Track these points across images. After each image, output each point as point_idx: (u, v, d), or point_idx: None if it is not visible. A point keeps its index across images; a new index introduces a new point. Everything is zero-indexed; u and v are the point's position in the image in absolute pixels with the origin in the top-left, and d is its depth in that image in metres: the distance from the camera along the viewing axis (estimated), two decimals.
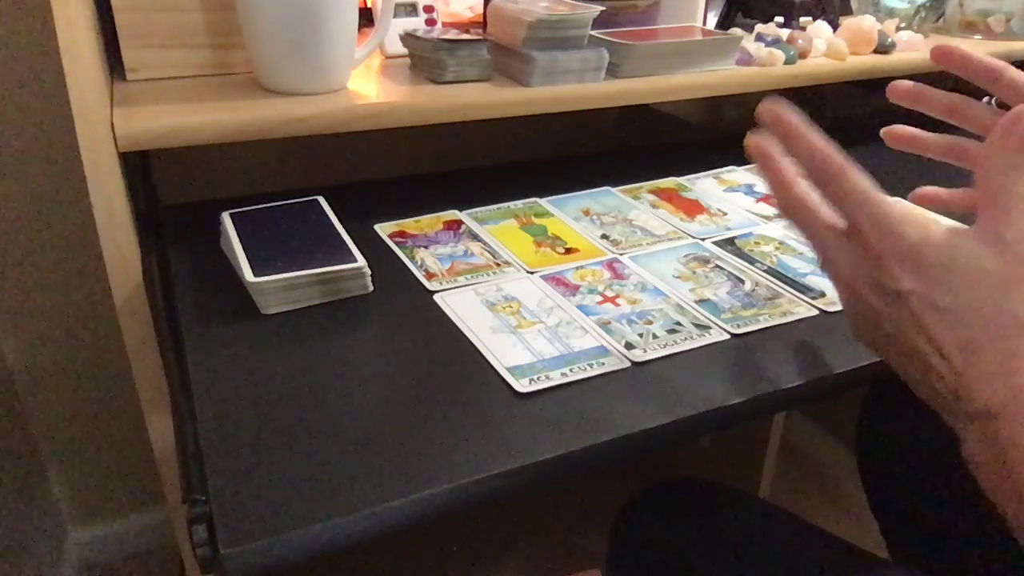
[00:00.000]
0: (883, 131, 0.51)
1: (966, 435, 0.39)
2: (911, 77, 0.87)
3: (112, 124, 0.54)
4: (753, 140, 0.42)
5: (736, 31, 0.85)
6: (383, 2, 0.66)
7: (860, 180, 0.39)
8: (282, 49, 0.61)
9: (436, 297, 0.54)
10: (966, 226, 0.38)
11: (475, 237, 0.63)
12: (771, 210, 0.70)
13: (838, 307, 0.54)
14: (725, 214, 0.69)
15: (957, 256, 0.37)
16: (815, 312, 0.53)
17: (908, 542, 0.67)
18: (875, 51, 0.86)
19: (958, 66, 0.47)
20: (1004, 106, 0.46)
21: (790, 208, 0.42)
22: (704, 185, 0.76)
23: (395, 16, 0.72)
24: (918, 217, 0.38)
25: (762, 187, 0.76)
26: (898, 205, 0.38)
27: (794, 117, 0.40)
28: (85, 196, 0.55)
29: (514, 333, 0.50)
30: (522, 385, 0.44)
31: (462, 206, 0.69)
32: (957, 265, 0.37)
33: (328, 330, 0.50)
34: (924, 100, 0.50)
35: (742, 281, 0.57)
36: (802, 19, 0.90)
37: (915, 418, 0.66)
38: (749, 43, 0.81)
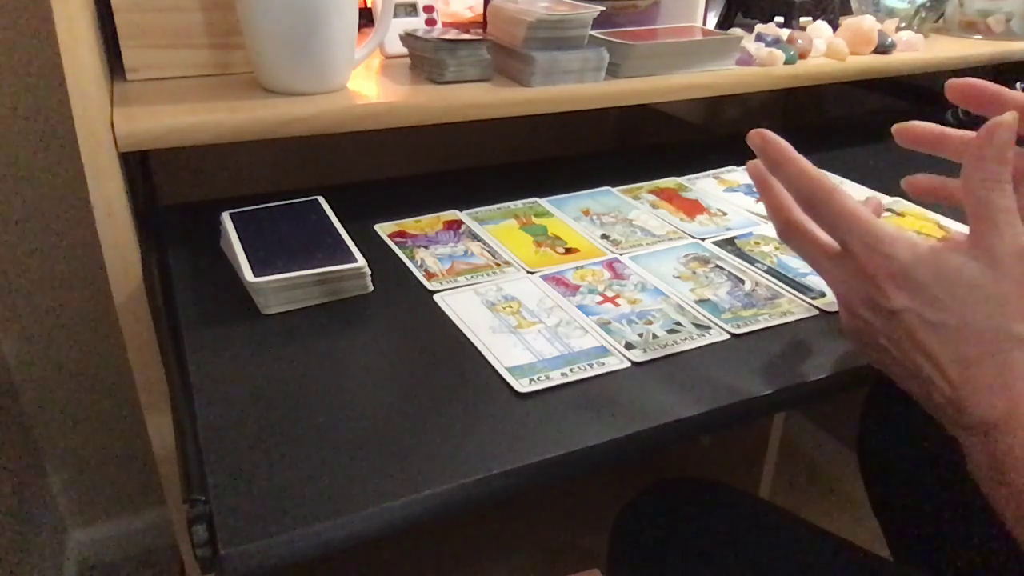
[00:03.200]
0: (895, 128, 0.48)
1: (968, 446, 0.39)
2: (911, 77, 0.88)
3: (112, 124, 0.54)
4: (752, 165, 0.44)
5: (736, 31, 0.85)
6: (383, 2, 0.66)
7: (848, 203, 0.40)
8: (282, 49, 0.61)
9: (436, 297, 0.54)
10: (957, 240, 0.39)
11: (475, 237, 0.63)
12: None
13: (838, 307, 0.54)
14: (725, 214, 0.69)
15: (948, 272, 0.38)
16: (815, 312, 0.53)
17: (908, 541, 0.67)
18: (875, 51, 0.86)
19: (980, 102, 0.45)
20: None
21: (786, 232, 0.44)
22: (704, 185, 0.76)
23: (395, 16, 0.72)
24: (908, 236, 0.39)
25: None
26: (888, 225, 0.39)
27: (781, 144, 0.41)
28: (85, 196, 0.55)
29: (514, 333, 0.50)
30: (522, 385, 0.44)
31: (462, 206, 0.69)
32: (948, 281, 0.37)
33: (328, 330, 0.50)
34: (944, 143, 0.47)
35: (742, 281, 0.57)
36: (802, 19, 0.90)
37: (916, 418, 0.66)
38: (749, 43, 0.81)
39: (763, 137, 0.42)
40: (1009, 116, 0.37)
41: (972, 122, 0.47)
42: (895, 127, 0.47)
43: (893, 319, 0.39)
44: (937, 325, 0.38)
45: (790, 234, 0.44)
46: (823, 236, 0.42)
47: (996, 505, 0.38)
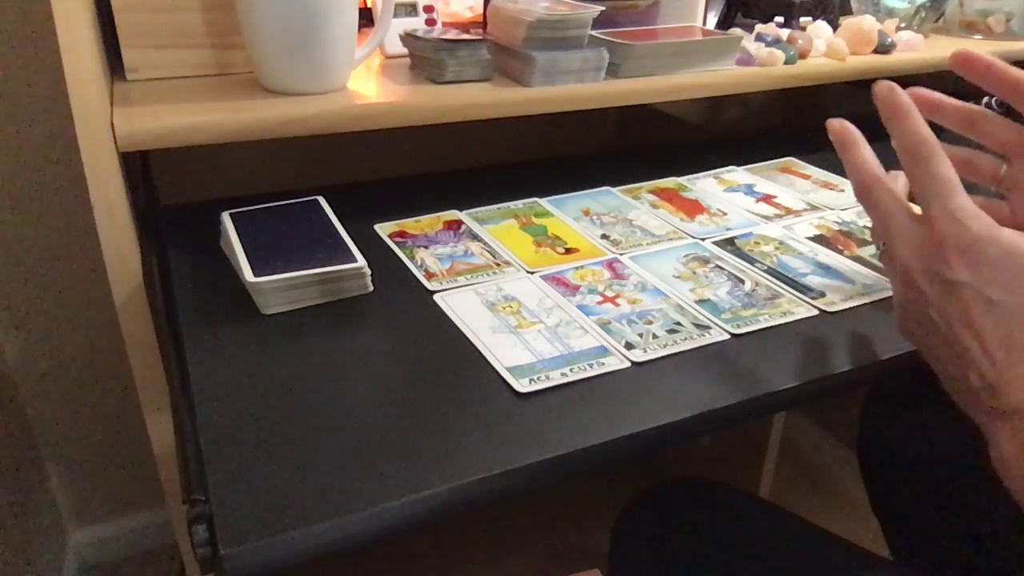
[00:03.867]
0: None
1: (996, 434, 0.39)
2: (911, 77, 0.87)
3: (112, 124, 0.54)
4: (835, 122, 0.45)
5: (736, 31, 0.85)
6: (383, 2, 0.66)
7: (946, 170, 0.40)
8: (282, 49, 0.61)
9: (436, 297, 0.54)
10: None
11: (475, 237, 0.63)
12: (771, 210, 0.70)
13: (838, 307, 0.54)
14: (725, 214, 0.69)
15: (1018, 255, 0.38)
16: (815, 312, 0.53)
17: (909, 541, 0.67)
18: (875, 51, 0.86)
19: (980, 75, 0.46)
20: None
21: (864, 186, 0.44)
22: (704, 185, 0.76)
23: (395, 16, 0.72)
24: (988, 217, 0.39)
25: (762, 187, 0.76)
26: (973, 203, 0.39)
27: (905, 99, 0.42)
28: (85, 196, 0.55)
29: (514, 333, 0.50)
30: (522, 385, 0.44)
31: (462, 206, 0.69)
32: (1015, 264, 0.38)
33: (328, 330, 0.50)
34: (941, 110, 0.48)
35: (742, 281, 0.57)
36: (802, 19, 0.90)
37: (916, 417, 0.66)
38: (749, 43, 0.81)
39: (892, 89, 0.42)
40: None
41: None
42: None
43: (950, 291, 0.39)
44: (993, 304, 0.38)
45: (869, 191, 0.44)
46: (900, 195, 0.43)
47: (1020, 497, 0.38)
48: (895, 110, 0.42)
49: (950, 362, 0.41)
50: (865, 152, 0.44)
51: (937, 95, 0.47)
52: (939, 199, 0.40)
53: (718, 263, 0.60)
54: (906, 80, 0.89)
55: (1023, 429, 0.37)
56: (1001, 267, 0.38)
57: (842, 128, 0.45)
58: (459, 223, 0.66)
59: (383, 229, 0.65)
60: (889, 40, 0.86)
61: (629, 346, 0.49)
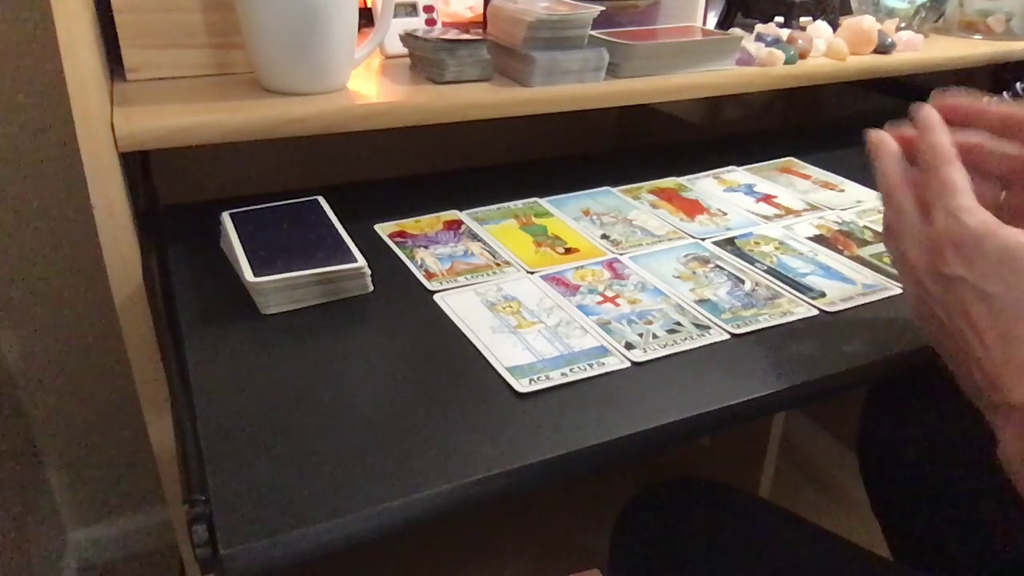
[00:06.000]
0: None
1: (1001, 430, 0.39)
2: (911, 77, 0.88)
3: (112, 124, 0.54)
4: (874, 133, 0.46)
5: (736, 31, 0.85)
6: (383, 2, 0.66)
7: (953, 173, 0.41)
8: (282, 49, 0.61)
9: (436, 297, 0.54)
10: None
11: (475, 237, 0.63)
12: (771, 210, 0.70)
13: (838, 307, 0.54)
14: (725, 214, 0.69)
15: (1014, 250, 0.38)
16: (815, 312, 0.53)
17: (909, 541, 0.67)
18: (875, 51, 0.86)
19: (959, 119, 0.46)
20: None
21: (886, 189, 0.45)
22: (704, 185, 0.76)
23: (395, 16, 0.72)
24: (988, 216, 0.40)
25: (762, 187, 0.76)
26: (975, 203, 0.40)
27: (931, 114, 0.43)
28: (85, 196, 0.55)
29: (514, 333, 0.50)
30: (522, 385, 0.44)
31: (462, 206, 0.69)
32: (1012, 259, 0.38)
33: (328, 330, 0.50)
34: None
35: (742, 281, 0.57)
36: (802, 19, 0.90)
37: (916, 417, 0.66)
38: (749, 43, 0.81)
39: (921, 107, 0.44)
40: None
41: None
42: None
43: (949, 287, 0.40)
44: (990, 298, 0.38)
45: (887, 181, 0.45)
46: (915, 194, 0.44)
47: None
48: (919, 127, 0.43)
49: (958, 358, 0.41)
50: (889, 159, 0.45)
51: (956, 105, 0.46)
52: (942, 200, 0.40)
53: (718, 263, 0.60)
54: (906, 80, 0.90)
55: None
56: (997, 262, 0.38)
57: (876, 138, 0.46)
58: (459, 223, 0.66)
59: (383, 229, 0.65)
60: (889, 40, 0.86)
61: (629, 346, 0.49)
